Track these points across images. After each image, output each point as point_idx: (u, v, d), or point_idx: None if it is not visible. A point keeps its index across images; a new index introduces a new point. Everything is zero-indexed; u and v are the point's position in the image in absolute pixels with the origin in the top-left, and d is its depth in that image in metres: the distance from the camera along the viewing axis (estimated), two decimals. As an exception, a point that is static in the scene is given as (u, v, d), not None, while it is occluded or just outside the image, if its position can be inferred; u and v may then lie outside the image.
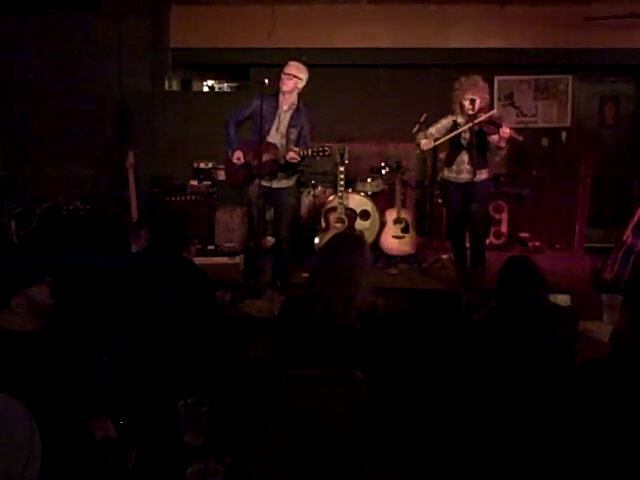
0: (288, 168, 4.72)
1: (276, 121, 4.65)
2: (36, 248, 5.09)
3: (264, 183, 4.61)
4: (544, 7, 6.67)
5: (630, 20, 6.34)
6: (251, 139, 4.72)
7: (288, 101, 4.63)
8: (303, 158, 4.62)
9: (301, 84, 4.63)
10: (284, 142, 4.64)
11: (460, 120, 4.75)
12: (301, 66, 4.62)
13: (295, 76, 4.56)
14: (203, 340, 2.74)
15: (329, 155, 4.62)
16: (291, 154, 4.54)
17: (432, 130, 4.85)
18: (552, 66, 7.07)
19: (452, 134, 4.71)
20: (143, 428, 1.91)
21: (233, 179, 4.87)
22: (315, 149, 4.53)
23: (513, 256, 2.69)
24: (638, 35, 6.58)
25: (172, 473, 1.68)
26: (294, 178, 4.90)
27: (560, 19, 6.66)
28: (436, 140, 4.79)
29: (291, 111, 4.65)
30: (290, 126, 4.62)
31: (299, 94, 4.67)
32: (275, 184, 4.73)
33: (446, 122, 4.82)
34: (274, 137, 4.65)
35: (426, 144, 4.78)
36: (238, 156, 4.67)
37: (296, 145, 4.60)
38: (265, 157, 4.55)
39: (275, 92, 4.66)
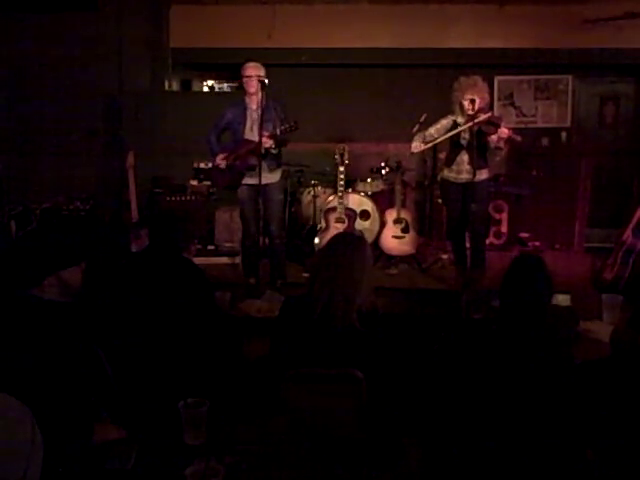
0: (270, 159, 4.73)
1: (248, 121, 4.73)
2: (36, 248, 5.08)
3: (251, 181, 4.68)
4: (544, 7, 6.68)
5: (630, 20, 6.34)
6: (229, 144, 4.87)
7: (255, 100, 4.71)
8: (277, 140, 4.61)
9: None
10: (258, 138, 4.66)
11: (460, 120, 4.74)
12: (258, 65, 4.70)
13: (257, 75, 4.63)
14: (203, 340, 2.74)
15: (297, 129, 4.59)
16: (263, 139, 4.56)
17: (432, 130, 4.84)
18: (552, 66, 7.07)
19: (450, 134, 4.70)
20: (143, 428, 1.91)
21: (222, 183, 4.99)
22: (284, 127, 4.56)
23: (523, 254, 2.66)
24: (638, 35, 6.59)
25: (172, 473, 1.68)
26: (279, 172, 4.92)
27: (560, 19, 6.67)
28: (428, 142, 4.79)
29: (260, 109, 4.67)
30: (264, 121, 4.63)
31: (265, 91, 4.69)
32: (262, 180, 4.70)
33: (446, 122, 4.81)
34: (250, 135, 4.72)
35: (416, 147, 4.79)
36: (222, 157, 4.77)
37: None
38: (243, 152, 4.67)
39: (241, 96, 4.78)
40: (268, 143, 4.60)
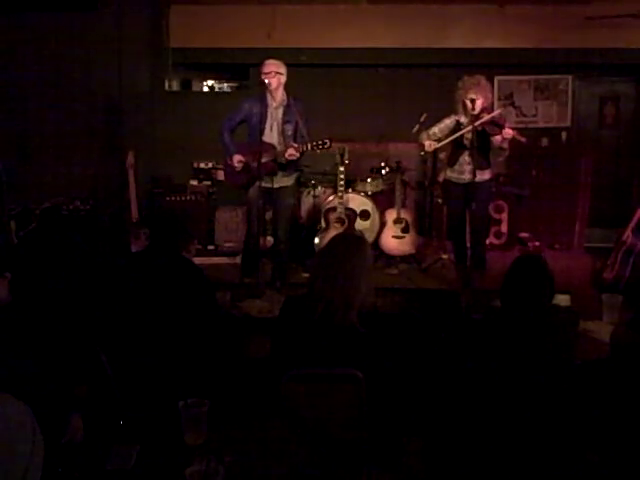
0: (288, 166, 4.71)
1: (269, 120, 4.62)
2: (36, 248, 5.09)
3: (264, 184, 4.60)
4: (544, 7, 6.67)
5: (630, 20, 6.34)
6: (247, 142, 4.74)
7: (277, 98, 4.63)
8: (302, 153, 4.60)
9: (284, 79, 4.63)
10: (281, 140, 4.62)
11: (463, 120, 4.70)
12: (277, 62, 4.64)
13: (276, 72, 4.57)
14: (203, 340, 2.74)
15: (329, 147, 4.57)
16: (290, 151, 4.52)
17: (435, 129, 4.80)
18: (552, 66, 7.07)
19: (455, 135, 4.64)
20: (143, 428, 1.91)
21: (234, 182, 4.87)
22: (315, 142, 4.52)
23: (525, 254, 2.65)
24: (638, 35, 6.59)
25: (172, 473, 1.68)
26: (294, 176, 4.88)
27: (560, 19, 6.66)
28: (439, 141, 4.74)
29: (282, 107, 4.64)
30: (284, 122, 4.60)
31: (287, 89, 4.67)
32: (275, 184, 4.71)
33: (449, 122, 4.77)
34: (270, 136, 4.62)
35: (429, 146, 4.71)
36: (239, 159, 4.66)
37: (294, 141, 4.60)
38: (264, 158, 4.52)
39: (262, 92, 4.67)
40: (294, 156, 4.55)
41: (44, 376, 1.93)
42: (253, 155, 4.59)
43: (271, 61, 4.63)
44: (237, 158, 4.66)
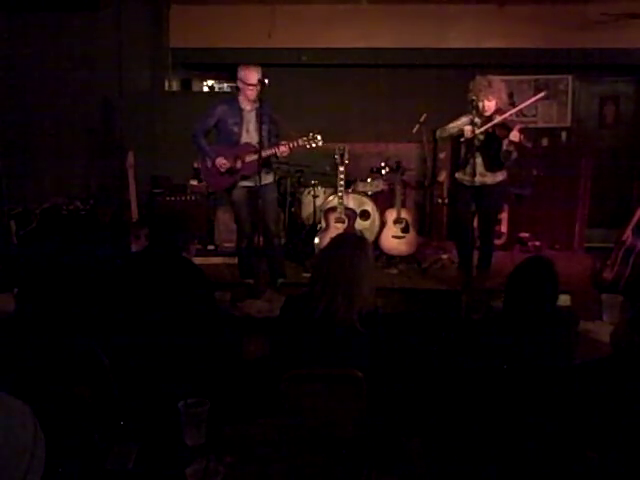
0: (267, 165, 4.75)
1: (244, 123, 4.64)
2: (36, 248, 5.09)
3: (247, 183, 4.66)
4: (544, 7, 6.68)
5: (630, 20, 6.34)
6: (223, 145, 4.73)
7: (250, 101, 4.63)
8: (291, 150, 4.61)
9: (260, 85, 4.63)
10: (259, 140, 4.60)
11: (477, 120, 4.57)
12: (258, 68, 4.60)
13: (259, 81, 4.52)
14: (203, 340, 2.74)
15: (321, 143, 4.58)
16: (282, 148, 4.55)
17: (451, 126, 4.72)
18: (552, 66, 7.07)
19: (469, 136, 4.54)
20: (143, 428, 1.91)
21: (218, 185, 4.91)
22: (306, 137, 4.55)
23: (534, 257, 2.63)
24: (638, 35, 6.59)
25: (172, 473, 1.68)
26: (272, 173, 4.93)
27: (560, 19, 6.67)
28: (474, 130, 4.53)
29: (255, 110, 4.64)
30: (260, 123, 4.60)
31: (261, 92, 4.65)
32: (262, 181, 4.69)
33: (466, 120, 4.69)
34: (247, 138, 4.66)
35: (468, 131, 4.52)
36: (222, 162, 4.65)
37: (269, 141, 4.63)
38: (249, 158, 4.58)
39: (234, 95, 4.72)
40: (286, 152, 4.58)
41: (46, 376, 1.93)
42: (235, 157, 4.64)
43: (253, 68, 4.56)
44: (221, 161, 4.65)
